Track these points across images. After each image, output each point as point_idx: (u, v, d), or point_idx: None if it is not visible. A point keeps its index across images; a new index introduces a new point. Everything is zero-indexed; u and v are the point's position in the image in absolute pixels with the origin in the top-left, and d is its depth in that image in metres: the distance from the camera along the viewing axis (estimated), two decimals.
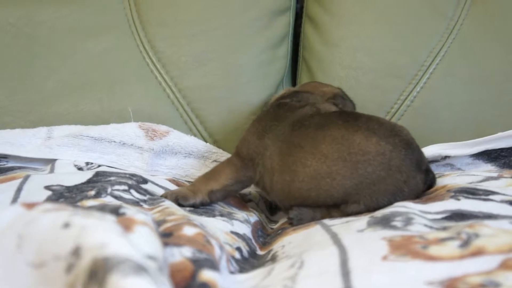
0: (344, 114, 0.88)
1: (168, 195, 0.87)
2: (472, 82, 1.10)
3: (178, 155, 1.06)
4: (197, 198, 0.88)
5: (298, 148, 0.84)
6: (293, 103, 0.97)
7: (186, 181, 1.03)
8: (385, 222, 0.65)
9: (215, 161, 1.09)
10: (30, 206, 0.50)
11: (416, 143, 0.85)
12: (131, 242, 0.45)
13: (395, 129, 0.83)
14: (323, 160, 0.80)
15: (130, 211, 0.56)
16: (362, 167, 0.78)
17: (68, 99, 1.14)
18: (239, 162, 0.92)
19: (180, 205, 0.84)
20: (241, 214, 0.85)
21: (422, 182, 0.82)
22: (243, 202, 0.96)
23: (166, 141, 1.05)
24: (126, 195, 0.81)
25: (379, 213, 0.70)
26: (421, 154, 0.85)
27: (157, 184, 0.91)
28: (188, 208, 0.82)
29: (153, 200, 0.83)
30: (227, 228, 0.76)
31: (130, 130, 1.05)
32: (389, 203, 0.77)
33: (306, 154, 0.83)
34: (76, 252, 0.43)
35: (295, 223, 0.84)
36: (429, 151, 1.00)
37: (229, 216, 0.82)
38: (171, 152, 1.06)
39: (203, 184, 0.90)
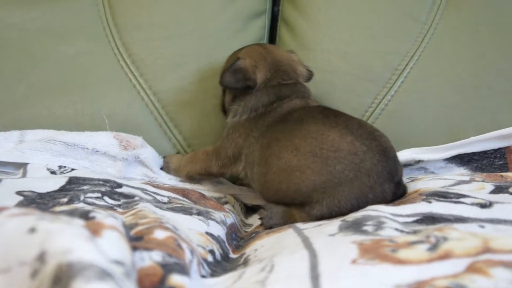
0: (327, 111, 0.89)
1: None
2: (445, 86, 1.11)
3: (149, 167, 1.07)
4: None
5: (275, 141, 0.86)
6: (283, 106, 0.96)
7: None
8: (356, 227, 0.65)
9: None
10: None
11: (395, 153, 0.84)
12: (98, 247, 0.45)
13: (375, 134, 0.83)
14: (295, 153, 0.81)
15: (100, 215, 0.55)
16: (332, 163, 0.78)
17: (40, 102, 1.12)
18: (217, 161, 1.00)
19: None
20: (218, 214, 0.85)
21: (390, 192, 0.80)
22: (220, 204, 0.96)
23: (138, 153, 1.04)
24: (99, 202, 0.81)
25: (351, 216, 0.70)
26: (396, 164, 0.83)
27: (132, 187, 0.91)
28: (165, 207, 0.82)
29: (127, 203, 0.82)
30: (203, 229, 0.76)
31: (104, 139, 1.04)
32: (351, 207, 0.77)
33: (281, 147, 0.84)
34: (41, 258, 0.43)
35: (266, 223, 0.84)
36: (402, 155, 1.01)
37: (206, 215, 0.81)
38: (142, 163, 1.05)
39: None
